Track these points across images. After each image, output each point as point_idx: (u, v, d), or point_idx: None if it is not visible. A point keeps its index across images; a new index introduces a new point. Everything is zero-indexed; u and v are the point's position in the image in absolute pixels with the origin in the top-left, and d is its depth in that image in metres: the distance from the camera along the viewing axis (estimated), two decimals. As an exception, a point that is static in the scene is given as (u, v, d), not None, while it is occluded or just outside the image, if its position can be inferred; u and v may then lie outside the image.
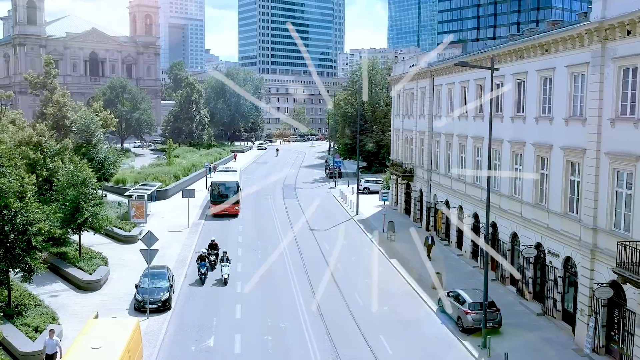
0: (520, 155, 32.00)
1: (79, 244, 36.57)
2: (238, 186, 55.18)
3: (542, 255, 29.78)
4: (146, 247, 28.68)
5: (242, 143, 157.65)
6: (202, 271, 34.34)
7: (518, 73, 32.12)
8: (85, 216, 34.92)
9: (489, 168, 26.76)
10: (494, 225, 35.22)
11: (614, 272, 21.62)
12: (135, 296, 29.57)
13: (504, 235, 34.01)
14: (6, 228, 26.60)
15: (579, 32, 25.26)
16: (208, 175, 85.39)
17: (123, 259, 38.61)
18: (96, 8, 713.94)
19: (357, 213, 56.63)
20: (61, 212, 34.18)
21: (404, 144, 56.56)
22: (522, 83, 31.81)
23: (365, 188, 69.33)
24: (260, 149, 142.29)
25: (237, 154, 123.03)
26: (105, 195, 58.74)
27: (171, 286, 31.01)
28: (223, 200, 53.76)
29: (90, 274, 33.33)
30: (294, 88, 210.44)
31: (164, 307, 29.27)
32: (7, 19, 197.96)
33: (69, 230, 35.21)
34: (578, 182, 26.30)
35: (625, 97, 22.94)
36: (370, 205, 61.04)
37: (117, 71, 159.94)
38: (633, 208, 22.27)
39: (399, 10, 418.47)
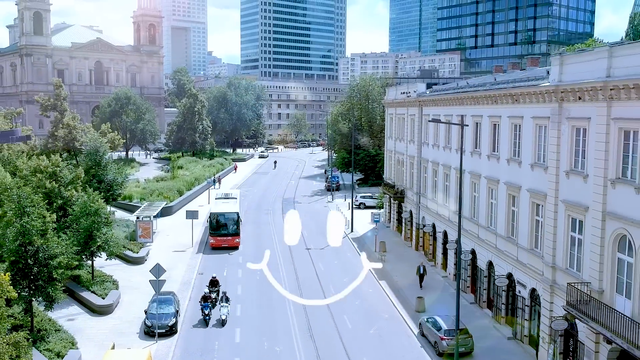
0: (495, 191, 35.11)
1: (92, 268, 39.76)
2: (238, 217, 52.97)
3: (512, 285, 32.88)
4: (155, 278, 31.78)
5: (244, 150, 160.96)
6: (206, 312, 34.62)
7: (493, 116, 35.22)
8: (98, 244, 38.12)
9: (460, 200, 29.84)
10: (474, 252, 38.36)
11: (564, 309, 24.72)
12: (145, 321, 32.78)
13: (482, 263, 37.12)
14: (30, 262, 29.83)
15: (540, 90, 28.34)
16: (212, 187, 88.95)
17: (132, 281, 41.79)
18: (98, 8, 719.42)
19: (352, 230, 59.76)
20: (75, 240, 37.41)
21: (396, 165, 59.67)
22: (497, 125, 34.91)
23: (361, 203, 72.49)
24: (261, 157, 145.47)
25: (239, 163, 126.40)
26: (114, 213, 62.07)
27: (177, 311, 34.19)
28: (223, 232, 51.91)
29: (103, 298, 36.52)
30: (295, 94, 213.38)
31: (171, 331, 32.46)
32: (13, 27, 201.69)
33: (83, 256, 38.36)
34: (541, 223, 29.39)
35: (577, 153, 26.04)
36: (365, 221, 64.05)
37: (122, 80, 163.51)
38: (583, 251, 25.35)
39: (400, 12, 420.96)
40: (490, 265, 36.04)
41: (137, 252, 48.12)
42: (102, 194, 55.80)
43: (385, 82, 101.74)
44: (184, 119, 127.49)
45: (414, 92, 51.88)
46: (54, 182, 42.43)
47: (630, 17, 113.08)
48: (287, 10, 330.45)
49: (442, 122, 30.36)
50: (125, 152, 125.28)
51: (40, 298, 30.39)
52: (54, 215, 32.17)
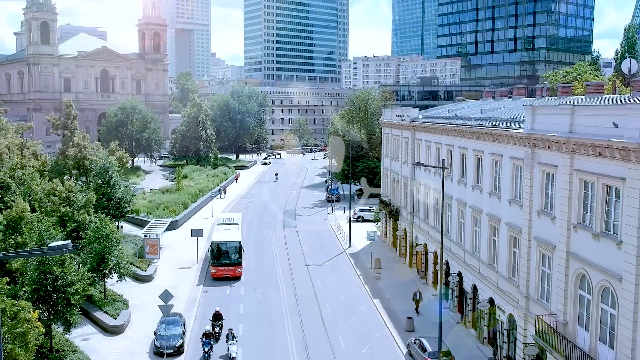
0: (478, 219, 37.77)
1: (104, 288, 42.58)
2: (240, 246, 51.41)
3: (493, 308, 35.55)
4: (164, 303, 34.53)
5: (247, 156, 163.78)
6: (206, 349, 34.60)
7: (477, 150, 37.87)
8: (110, 266, 40.96)
9: (441, 228, 32.50)
10: (460, 275, 41.03)
11: (532, 338, 27.42)
12: (154, 342, 35.59)
13: (467, 285, 39.79)
14: (49, 289, 32.63)
15: (515, 135, 31.01)
16: (218, 197, 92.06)
17: (141, 300, 44.58)
18: (101, 7, 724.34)
19: (350, 246, 62.46)
20: (89, 262, 40.29)
21: (392, 183, 62.35)
22: (480, 159, 37.56)
23: (359, 217, 75.24)
24: (264, 164, 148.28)
25: (241, 170, 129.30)
26: (121, 227, 64.95)
27: (184, 332, 36.98)
28: (224, 262, 50.48)
29: (115, 319, 39.33)
30: (298, 99, 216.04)
31: (178, 351, 35.25)
32: (20, 34, 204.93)
33: (96, 278, 41.16)
34: (517, 254, 32.05)
35: (547, 195, 28.70)
36: (364, 234, 66.64)
37: (127, 87, 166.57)
38: (551, 285, 28.02)
39: (403, 13, 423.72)
40: (474, 288, 38.70)
41: (145, 270, 50.91)
42: (112, 211, 59.13)
43: (384, 95, 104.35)
44: (188, 128, 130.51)
45: (408, 116, 54.52)
46: (67, 207, 45.22)
47: (624, 28, 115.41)
48: (290, 8, 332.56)
49: (425, 166, 33.03)
50: (131, 161, 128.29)
51: (59, 322, 33.18)
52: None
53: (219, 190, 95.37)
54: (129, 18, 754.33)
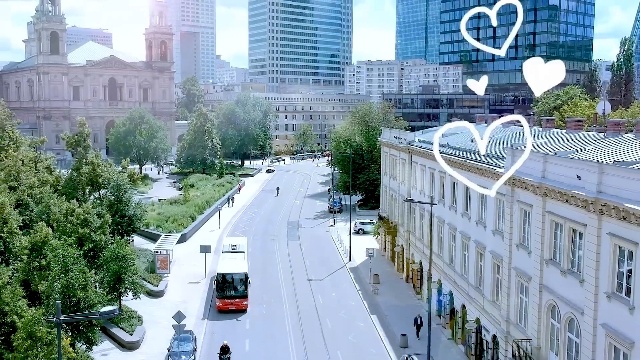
0: (467, 244, 40.80)
1: (119, 305, 45.78)
2: (246, 277, 50.55)
3: (480, 328, 38.59)
4: (177, 323, 37.72)
5: (252, 162, 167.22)
6: None
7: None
8: (126, 286, 44.19)
9: (429, 252, 35.49)
10: (451, 294, 44.07)
11: (510, 361, 30.52)
12: (168, 358, 38.79)
13: (457, 304, 42.84)
14: (73, 310, 35.85)
15: (496, 172, 34.05)
16: (227, 205, 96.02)
17: (154, 315, 47.80)
18: (105, 7, 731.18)
19: (350, 260, 65.55)
20: (105, 281, 43.56)
21: (390, 200, 65.43)
22: (468, 189, 40.59)
23: (360, 229, 78.32)
24: (268, 171, 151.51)
25: (246, 178, 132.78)
26: (132, 241, 68.20)
27: (195, 349, 40.18)
28: (229, 295, 49.59)
29: (131, 335, 42.56)
30: (302, 105, 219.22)
31: (190, 367, 38.45)
32: (28, 42, 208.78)
33: (112, 296, 44.39)
34: (500, 280, 35.09)
35: (525, 230, 31.74)
36: (364, 247, 69.65)
37: (134, 95, 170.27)
38: (528, 312, 31.05)
39: (407, 15, 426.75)
40: (463, 307, 41.74)
41: (157, 286, 54.14)
42: (124, 227, 62.40)
43: (385, 108, 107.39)
44: (195, 137, 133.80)
45: (405, 139, 57.57)
46: (85, 229, 48.43)
47: (621, 41, 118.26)
48: (294, 14, 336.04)
49: (415, 202, 36.04)
50: (139, 169, 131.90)
51: (81, 341, 36.39)
52: (93, 272, 38.16)
53: (228, 199, 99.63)
54: (133, 18, 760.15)
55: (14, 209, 50.64)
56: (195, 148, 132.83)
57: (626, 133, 33.76)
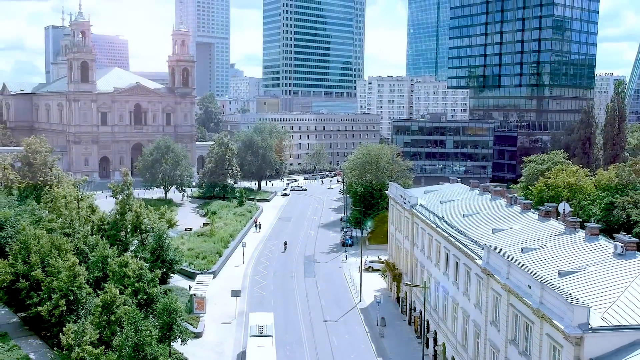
0: (457, 309, 50.06)
1: (169, 353, 55.49)
2: None
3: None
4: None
5: (268, 183, 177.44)
6: None
7: (455, 255, 50.16)
8: (176, 334, 53.95)
9: (422, 315, 44.76)
10: (444, 345, 53.37)
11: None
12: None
13: (449, 355, 52.08)
14: (141, 362, 45.59)
15: (476, 262, 43.34)
16: (254, 231, 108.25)
17: (197, 356, 57.45)
18: (118, 8, 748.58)
19: (360, 300, 74.97)
20: (159, 331, 53.33)
21: (396, 248, 74.77)
22: (458, 263, 49.85)
23: (369, 267, 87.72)
24: (284, 195, 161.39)
25: (263, 204, 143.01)
26: (171, 277, 78.05)
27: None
28: None
29: (182, 378, 52.27)
30: (315, 126, 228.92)
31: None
32: (57, 65, 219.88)
33: (165, 344, 54.08)
34: (479, 345, 44.34)
35: (495, 311, 41.01)
36: (373, 286, 79.19)
37: (158, 119, 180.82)
38: (498, 376, 40.34)
39: (419, 10, 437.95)
40: (453, 359, 51.07)
41: (196, 327, 63.85)
42: (165, 270, 72.28)
43: (394, 150, 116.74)
44: (216, 165, 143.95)
45: (408, 202, 66.89)
46: (140, 282, 58.25)
47: (614, 84, 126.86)
48: (307, 22, 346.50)
49: (412, 285, 45.37)
50: (164, 195, 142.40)
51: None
52: (158, 331, 47.94)
53: (255, 225, 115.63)
54: (146, 19, 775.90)
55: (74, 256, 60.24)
56: (217, 175, 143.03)
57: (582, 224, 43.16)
